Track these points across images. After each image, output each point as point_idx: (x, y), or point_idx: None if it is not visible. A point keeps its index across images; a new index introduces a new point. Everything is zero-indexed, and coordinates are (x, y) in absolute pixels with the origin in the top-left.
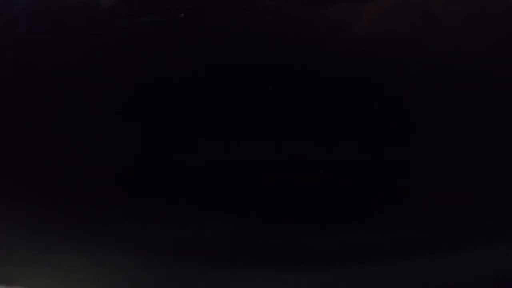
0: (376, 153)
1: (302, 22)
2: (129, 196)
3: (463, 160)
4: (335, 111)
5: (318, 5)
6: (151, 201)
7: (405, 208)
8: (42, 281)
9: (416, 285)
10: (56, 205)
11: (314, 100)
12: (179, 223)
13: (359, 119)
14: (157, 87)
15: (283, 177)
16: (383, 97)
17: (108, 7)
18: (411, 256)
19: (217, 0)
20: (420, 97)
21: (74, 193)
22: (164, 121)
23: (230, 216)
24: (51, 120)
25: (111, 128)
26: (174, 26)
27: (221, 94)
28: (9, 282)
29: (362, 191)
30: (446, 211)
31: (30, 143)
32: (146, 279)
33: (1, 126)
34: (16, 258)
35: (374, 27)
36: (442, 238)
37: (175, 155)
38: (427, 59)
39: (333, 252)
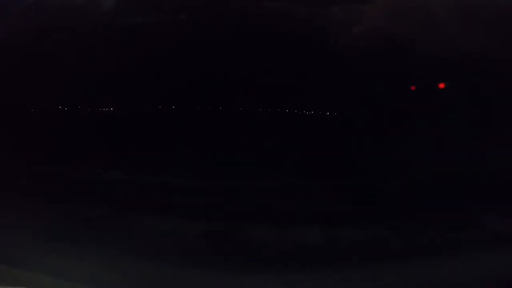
0: (380, 155)
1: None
2: (134, 199)
3: (466, 164)
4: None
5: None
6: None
7: (408, 212)
8: (42, 281)
9: (416, 286)
10: (58, 206)
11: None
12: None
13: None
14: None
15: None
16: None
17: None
18: (412, 257)
19: (218, 2)
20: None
21: (76, 195)
22: (167, 122)
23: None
24: (50, 120)
25: (111, 129)
26: (175, 27)
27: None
28: (9, 282)
29: (364, 194)
30: (449, 213)
31: (33, 148)
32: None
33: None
34: (16, 258)
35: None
36: (444, 240)
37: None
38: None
39: (337, 253)
